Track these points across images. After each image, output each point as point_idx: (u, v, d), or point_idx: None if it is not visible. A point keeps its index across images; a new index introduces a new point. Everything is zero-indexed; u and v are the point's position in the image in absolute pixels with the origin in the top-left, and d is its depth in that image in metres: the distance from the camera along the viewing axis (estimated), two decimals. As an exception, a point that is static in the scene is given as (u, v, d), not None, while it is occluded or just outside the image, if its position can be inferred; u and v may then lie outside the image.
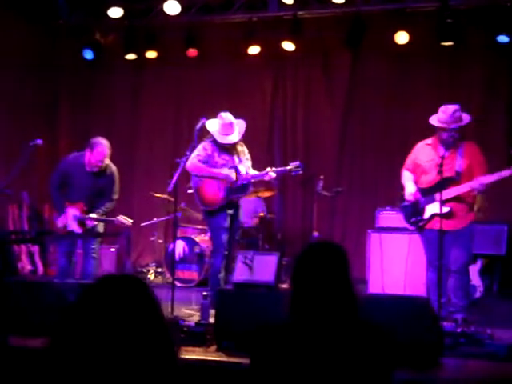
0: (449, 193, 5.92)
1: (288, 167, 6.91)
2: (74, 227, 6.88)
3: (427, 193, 6.16)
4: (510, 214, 8.46)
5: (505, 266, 8.00)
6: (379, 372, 2.30)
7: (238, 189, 6.87)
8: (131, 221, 6.95)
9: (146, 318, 1.64)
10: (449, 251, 6.00)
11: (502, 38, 8.30)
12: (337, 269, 2.39)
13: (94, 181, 6.94)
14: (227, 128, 6.80)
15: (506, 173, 5.83)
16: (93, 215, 6.88)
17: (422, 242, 6.32)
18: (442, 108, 6.09)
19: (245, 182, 6.86)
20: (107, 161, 6.96)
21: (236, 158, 6.92)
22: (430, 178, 6.13)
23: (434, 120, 6.10)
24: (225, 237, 6.88)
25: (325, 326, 2.32)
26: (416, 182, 6.32)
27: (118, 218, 6.89)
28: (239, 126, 6.91)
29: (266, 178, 6.92)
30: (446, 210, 5.91)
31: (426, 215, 6.15)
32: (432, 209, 6.07)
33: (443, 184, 5.85)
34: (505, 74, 8.74)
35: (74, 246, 7.09)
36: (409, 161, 6.42)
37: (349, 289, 2.38)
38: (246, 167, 6.95)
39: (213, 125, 6.85)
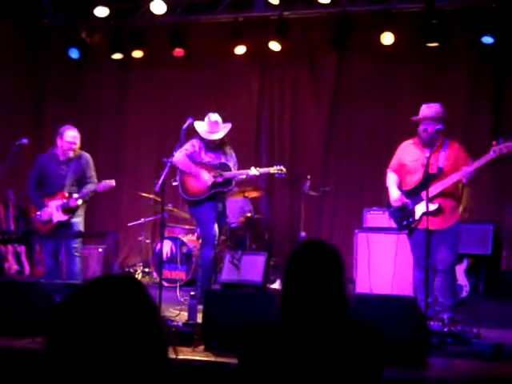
0: (435, 188, 5.93)
1: (272, 169, 7.07)
2: (59, 217, 6.91)
3: (413, 193, 6.14)
4: (496, 213, 8.52)
5: (490, 266, 8.05)
6: (368, 373, 2.30)
7: (221, 183, 6.97)
8: (113, 181, 6.96)
9: (142, 319, 1.64)
10: (436, 251, 6.01)
11: (487, 39, 8.36)
12: (330, 270, 2.38)
13: (70, 168, 6.99)
14: (213, 126, 7.00)
15: (485, 158, 5.82)
16: (75, 195, 6.92)
17: (409, 241, 6.31)
18: (423, 106, 6.18)
19: (228, 177, 6.96)
20: (78, 144, 7.03)
21: (223, 158, 7.04)
22: (416, 178, 6.13)
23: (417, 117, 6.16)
24: (214, 226, 6.98)
25: (315, 326, 2.32)
26: (401, 183, 6.32)
27: (99, 185, 6.93)
28: (226, 127, 7.08)
29: (250, 174, 6.99)
30: (434, 207, 5.91)
31: (417, 216, 6.11)
32: (421, 208, 6.04)
33: (426, 181, 5.83)
34: (489, 74, 8.79)
35: (59, 244, 7.11)
36: (393, 161, 6.41)
37: (341, 290, 2.37)
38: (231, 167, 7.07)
39: (201, 125, 7.04)
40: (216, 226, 7.01)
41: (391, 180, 6.38)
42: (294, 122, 9.72)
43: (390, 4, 8.81)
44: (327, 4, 8.72)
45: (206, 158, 7.05)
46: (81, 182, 7.03)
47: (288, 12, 9.19)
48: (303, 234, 8.10)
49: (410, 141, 6.30)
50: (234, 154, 7.17)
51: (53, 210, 6.91)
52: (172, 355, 1.71)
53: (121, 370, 1.56)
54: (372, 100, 9.30)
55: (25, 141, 6.98)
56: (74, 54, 9.81)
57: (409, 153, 6.27)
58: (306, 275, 2.36)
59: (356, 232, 7.79)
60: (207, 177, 6.94)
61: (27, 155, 8.86)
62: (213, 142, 7.04)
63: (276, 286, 8.12)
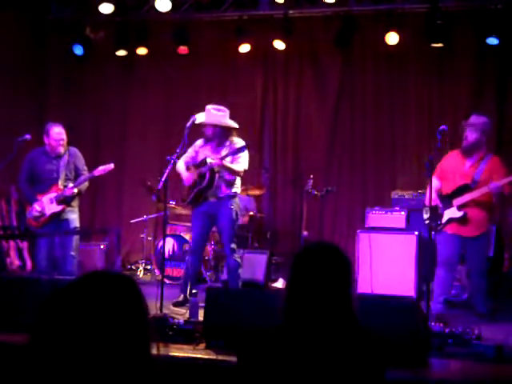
0: (463, 198, 6.33)
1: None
2: (53, 208, 6.99)
3: (447, 199, 6.51)
4: (499, 215, 8.49)
5: (493, 268, 8.02)
6: (371, 378, 2.27)
7: (198, 181, 6.77)
8: (112, 165, 7.08)
9: (128, 317, 1.61)
10: (466, 256, 6.52)
11: (492, 40, 8.35)
12: (339, 273, 2.33)
13: (61, 163, 7.11)
14: (205, 113, 6.80)
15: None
16: (70, 185, 7.04)
17: (438, 242, 6.55)
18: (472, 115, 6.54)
19: (207, 177, 6.66)
20: (66, 139, 7.17)
21: (208, 152, 6.80)
22: (452, 185, 6.49)
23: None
24: (194, 234, 6.95)
25: (320, 330, 2.27)
26: (442, 189, 6.61)
27: (95, 171, 7.04)
28: (220, 116, 6.82)
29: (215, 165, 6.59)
30: (459, 214, 6.36)
31: (444, 219, 6.50)
32: (449, 213, 6.48)
33: (459, 190, 6.33)
34: (494, 75, 8.78)
35: (53, 242, 7.17)
36: (438, 167, 6.60)
37: (348, 293, 2.33)
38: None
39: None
40: (195, 233, 6.91)
41: (433, 185, 6.51)
42: (297, 121, 9.71)
43: (394, 4, 8.81)
44: (332, 3, 8.73)
45: (202, 154, 6.82)
46: (75, 176, 7.15)
47: (293, 11, 9.19)
48: (305, 233, 8.10)
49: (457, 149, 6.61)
50: (235, 146, 6.73)
51: (45, 204, 6.99)
52: (156, 352, 1.69)
53: (104, 366, 1.55)
54: (376, 100, 9.30)
55: (28, 137, 7.01)
56: (78, 50, 9.79)
57: (451, 160, 6.58)
58: (314, 278, 2.29)
59: (358, 232, 7.78)
60: (186, 176, 6.84)
61: (30, 151, 8.87)
62: (206, 132, 6.80)
63: (278, 284, 8.11)
